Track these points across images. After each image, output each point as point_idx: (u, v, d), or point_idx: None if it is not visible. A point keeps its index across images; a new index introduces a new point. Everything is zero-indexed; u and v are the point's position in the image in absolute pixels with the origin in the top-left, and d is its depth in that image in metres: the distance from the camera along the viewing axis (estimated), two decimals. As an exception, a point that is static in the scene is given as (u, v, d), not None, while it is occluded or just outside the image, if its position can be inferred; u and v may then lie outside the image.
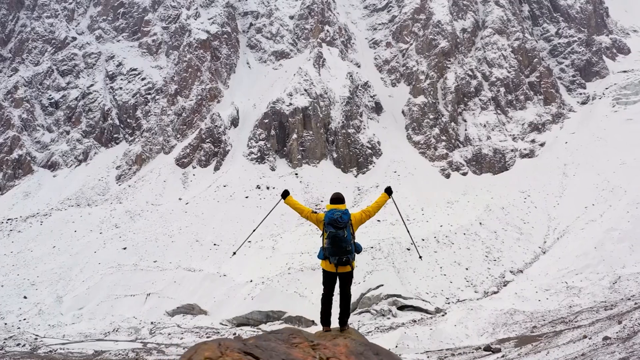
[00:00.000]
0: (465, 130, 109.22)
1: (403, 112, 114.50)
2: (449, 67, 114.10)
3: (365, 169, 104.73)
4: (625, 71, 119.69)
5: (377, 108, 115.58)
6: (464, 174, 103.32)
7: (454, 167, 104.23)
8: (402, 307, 64.65)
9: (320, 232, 10.48)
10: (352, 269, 10.40)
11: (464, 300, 66.26)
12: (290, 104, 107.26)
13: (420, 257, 14.91)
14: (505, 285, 69.88)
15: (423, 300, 65.69)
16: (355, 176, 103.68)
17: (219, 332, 62.06)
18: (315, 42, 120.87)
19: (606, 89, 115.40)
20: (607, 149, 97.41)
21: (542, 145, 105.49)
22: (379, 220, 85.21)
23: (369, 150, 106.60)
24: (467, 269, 72.70)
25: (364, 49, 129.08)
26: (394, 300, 64.93)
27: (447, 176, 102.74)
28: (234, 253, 15.25)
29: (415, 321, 61.02)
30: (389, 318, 62.45)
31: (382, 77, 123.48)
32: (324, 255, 10.27)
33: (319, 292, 54.80)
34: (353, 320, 62.98)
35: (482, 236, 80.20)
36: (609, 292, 59.31)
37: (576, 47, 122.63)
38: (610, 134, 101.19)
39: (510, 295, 65.29)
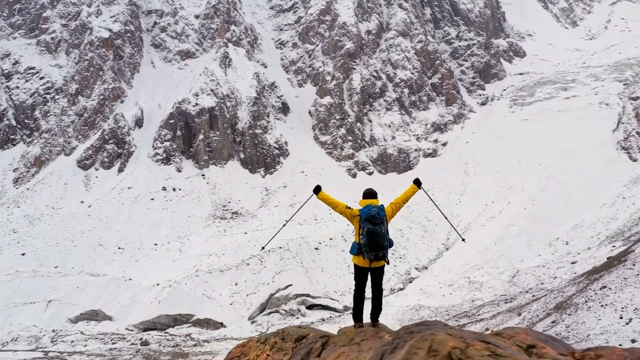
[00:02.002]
0: (371, 130, 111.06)
1: (310, 112, 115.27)
2: (354, 68, 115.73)
3: (273, 170, 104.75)
4: (521, 73, 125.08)
5: (284, 108, 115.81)
6: (370, 173, 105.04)
7: (360, 167, 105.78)
8: (311, 306, 65.12)
9: (353, 227, 10.31)
10: (388, 263, 10.36)
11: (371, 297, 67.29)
12: (197, 104, 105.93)
13: (463, 239, 15.05)
14: (410, 282, 71.53)
15: (331, 299, 66.37)
16: (263, 177, 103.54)
17: (124, 338, 60.63)
18: (222, 42, 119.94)
19: (504, 90, 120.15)
20: (505, 148, 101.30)
21: (444, 144, 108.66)
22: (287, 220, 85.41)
23: (277, 151, 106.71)
24: (374, 266, 73.83)
25: (271, 50, 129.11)
26: (302, 300, 65.32)
27: (354, 176, 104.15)
28: (263, 248, 14.95)
29: (324, 320, 61.60)
30: (298, 318, 62.79)
31: (289, 77, 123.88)
32: (357, 250, 10.14)
33: (227, 293, 54.33)
34: (262, 321, 62.97)
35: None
36: (508, 286, 61.72)
37: (476, 49, 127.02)
38: (508, 134, 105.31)
39: (416, 291, 66.96)
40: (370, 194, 10.47)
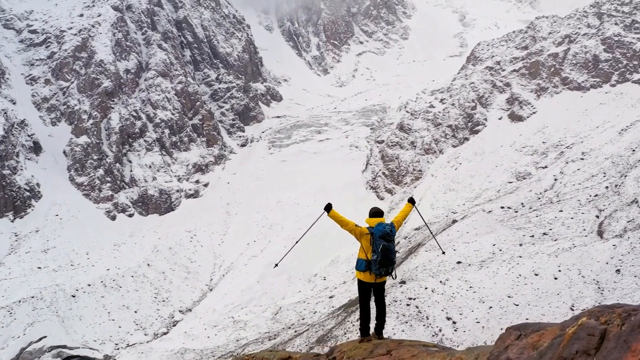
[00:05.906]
0: (131, 171, 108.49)
1: (65, 152, 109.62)
2: (113, 107, 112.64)
3: (23, 213, 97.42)
4: (278, 117, 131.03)
5: (36, 148, 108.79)
6: (131, 215, 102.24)
7: (120, 209, 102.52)
8: (68, 358, 61.64)
9: (359, 244, 10.87)
10: (395, 278, 10.93)
11: (134, 344, 65.31)
12: None
13: (443, 252, 14.99)
14: (175, 325, 70.57)
15: (91, 349, 63.43)
16: (12, 221, 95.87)
17: None
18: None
19: (263, 132, 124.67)
20: (265, 188, 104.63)
21: (206, 185, 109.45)
22: (39, 268, 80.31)
23: (27, 193, 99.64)
24: (136, 311, 71.76)
25: (20, 85, 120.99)
26: (58, 352, 61.71)
27: (113, 218, 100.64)
28: (276, 265, 14.06)
29: (82, 371, 58.61)
30: (53, 371, 59.12)
31: (41, 115, 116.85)
32: (365, 266, 10.67)
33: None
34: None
35: (151, 277, 79.99)
36: (271, 323, 63.37)
37: (235, 92, 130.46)
38: (268, 175, 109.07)
39: (180, 334, 66.22)
40: (378, 212, 11.16)
